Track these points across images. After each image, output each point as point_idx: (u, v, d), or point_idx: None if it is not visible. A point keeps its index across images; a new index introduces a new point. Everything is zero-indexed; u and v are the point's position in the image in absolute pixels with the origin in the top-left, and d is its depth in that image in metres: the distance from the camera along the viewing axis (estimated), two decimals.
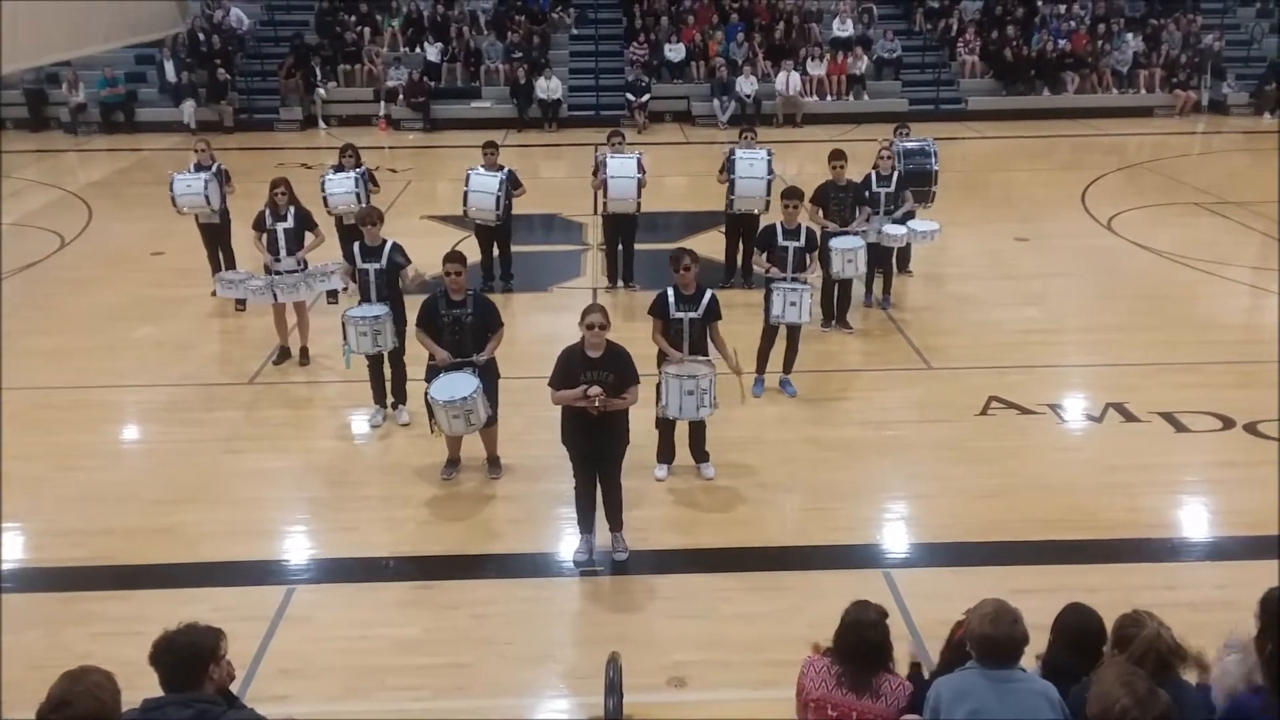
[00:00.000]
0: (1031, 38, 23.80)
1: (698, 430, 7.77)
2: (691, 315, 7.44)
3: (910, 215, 11.13)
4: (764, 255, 9.04)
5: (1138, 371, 9.57)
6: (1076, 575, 6.43)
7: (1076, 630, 3.87)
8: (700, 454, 7.86)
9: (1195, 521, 7.32)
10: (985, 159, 20.07)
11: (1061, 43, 23.73)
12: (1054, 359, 10.02)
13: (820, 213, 10.36)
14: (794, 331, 9.11)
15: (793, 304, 8.83)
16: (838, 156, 10.43)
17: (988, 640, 3.61)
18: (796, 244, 8.89)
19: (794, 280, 8.84)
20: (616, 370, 6.40)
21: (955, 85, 23.67)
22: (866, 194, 10.64)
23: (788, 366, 9.22)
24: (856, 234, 10.22)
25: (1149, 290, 11.84)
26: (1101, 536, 7.00)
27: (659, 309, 7.52)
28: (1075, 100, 23.25)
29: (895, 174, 11.02)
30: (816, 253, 9.07)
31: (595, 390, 6.28)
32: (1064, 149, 20.80)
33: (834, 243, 10.03)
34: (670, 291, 7.51)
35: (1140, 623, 3.66)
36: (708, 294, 7.50)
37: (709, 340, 7.55)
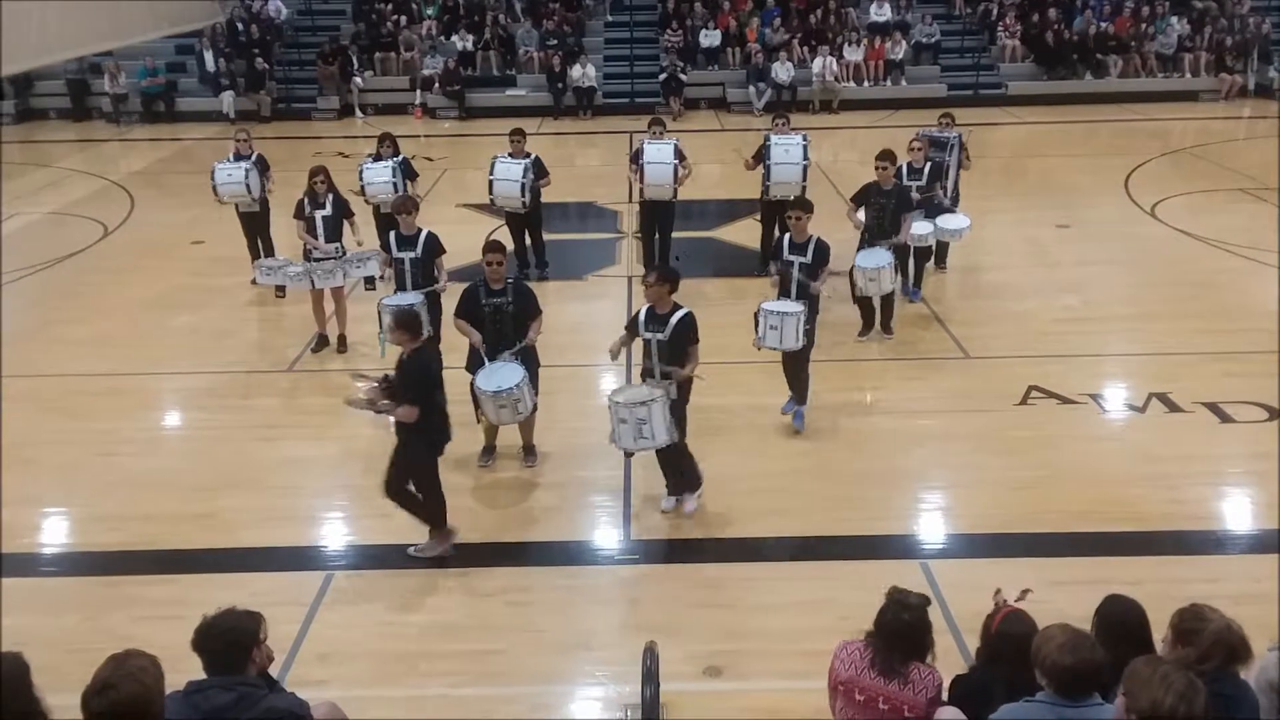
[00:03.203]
0: (1073, 21, 23.44)
1: (664, 459, 7.04)
2: (659, 336, 6.80)
3: (947, 208, 10.82)
4: (771, 265, 8.49)
5: (1181, 361, 9.40)
6: (1117, 568, 6.35)
7: (1120, 623, 3.80)
8: (673, 485, 7.17)
9: (1239, 514, 7.19)
10: (1025, 145, 19.81)
11: (1104, 26, 23.34)
12: (1095, 348, 9.87)
13: (859, 212, 9.86)
14: (791, 357, 8.08)
15: (773, 328, 7.80)
16: (884, 157, 9.70)
17: (1069, 672, 3.34)
18: (803, 259, 8.02)
19: (797, 299, 7.97)
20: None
21: (995, 70, 23.37)
22: (913, 195, 10.13)
23: (800, 396, 8.26)
24: (887, 246, 9.48)
25: (1193, 278, 11.63)
26: (1143, 528, 6.90)
27: (631, 323, 7.06)
28: (1118, 85, 22.88)
29: (927, 166, 10.62)
30: (827, 267, 8.15)
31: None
32: (1106, 134, 20.47)
33: (858, 258, 9.40)
34: (645, 309, 6.95)
35: (1203, 617, 3.58)
36: (677, 316, 6.77)
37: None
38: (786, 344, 7.85)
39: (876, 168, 9.69)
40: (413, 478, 6.58)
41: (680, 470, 7.12)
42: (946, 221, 10.74)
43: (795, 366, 8.16)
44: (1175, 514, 7.07)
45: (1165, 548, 6.72)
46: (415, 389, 6.26)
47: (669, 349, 6.81)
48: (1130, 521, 6.96)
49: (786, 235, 8.21)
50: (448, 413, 6.64)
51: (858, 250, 9.65)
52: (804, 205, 8.30)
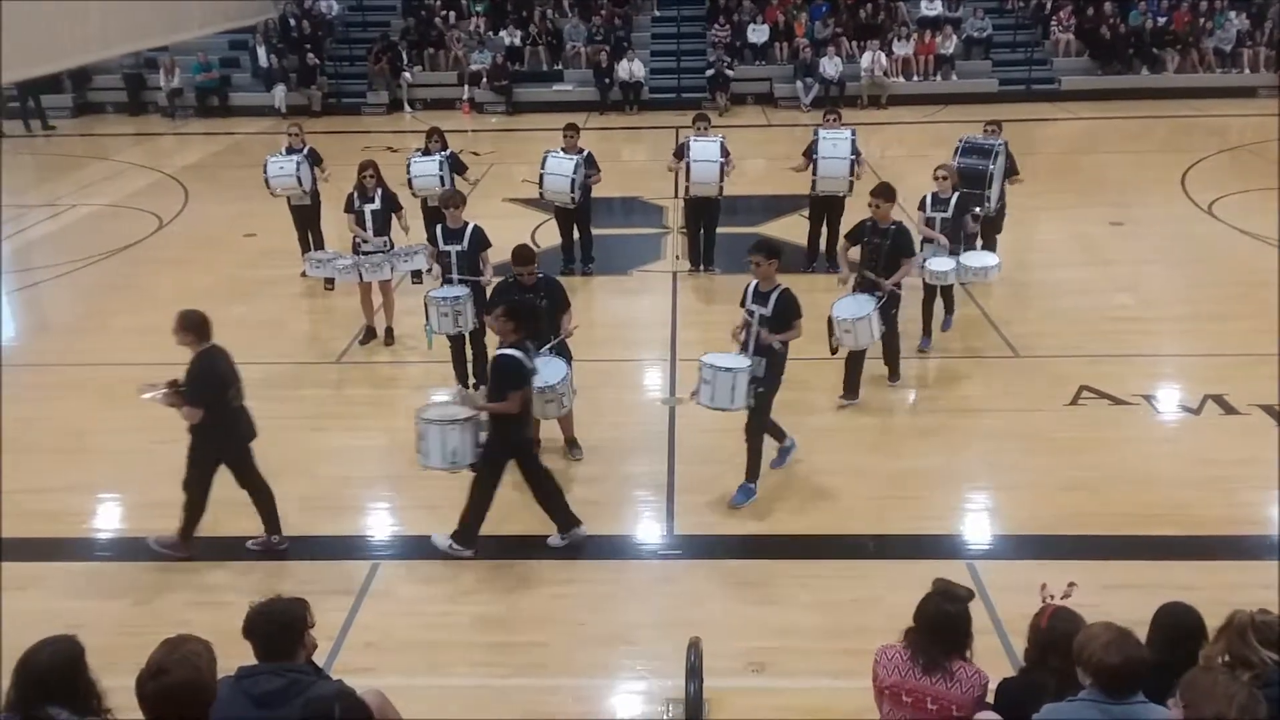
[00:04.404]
0: (1129, 15, 22.97)
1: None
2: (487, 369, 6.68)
3: (972, 231, 9.81)
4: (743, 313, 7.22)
5: (1238, 362, 9.19)
6: (1169, 572, 6.25)
7: (1176, 628, 3.75)
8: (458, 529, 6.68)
9: None
10: (1079, 141, 19.50)
11: (1161, 20, 22.89)
12: (1150, 348, 9.70)
13: (854, 252, 8.75)
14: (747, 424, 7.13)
15: (706, 383, 6.84)
16: (879, 194, 8.33)
17: (1114, 671, 3.31)
18: (763, 310, 6.95)
19: (755, 354, 6.94)
20: None
21: (1048, 64, 22.99)
22: (921, 234, 9.17)
23: (750, 468, 7.22)
24: (877, 294, 8.19)
25: (1251, 277, 11.34)
26: (1197, 533, 6.77)
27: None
28: (1175, 80, 22.37)
29: (955, 197, 9.34)
30: (799, 322, 7.00)
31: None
32: (1162, 130, 20.07)
33: (835, 307, 8.12)
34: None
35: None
36: (496, 353, 6.49)
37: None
38: (720, 403, 6.84)
39: (870, 204, 8.41)
40: (186, 472, 6.60)
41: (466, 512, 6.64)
42: (972, 259, 9.49)
43: (749, 436, 7.16)
44: (1230, 518, 6.93)
45: (1220, 552, 6.59)
46: (198, 391, 6.30)
47: (489, 384, 6.58)
48: (1183, 525, 6.84)
49: (753, 281, 7.09)
50: (246, 415, 6.61)
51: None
52: (764, 249, 7.05)
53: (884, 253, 8.29)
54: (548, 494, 6.77)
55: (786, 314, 6.93)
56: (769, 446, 7.42)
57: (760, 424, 7.17)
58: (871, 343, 8.17)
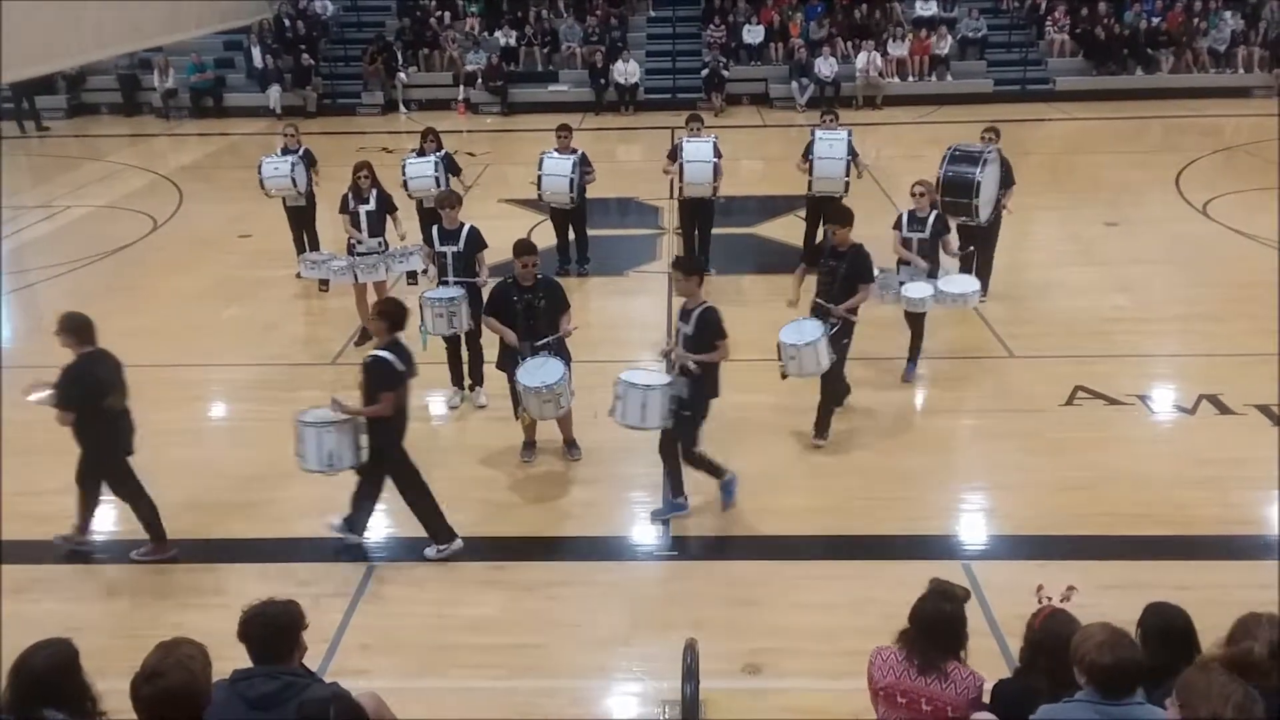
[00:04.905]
0: (1124, 15, 23.02)
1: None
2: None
3: (954, 253, 9.41)
4: None
5: (1233, 362, 9.21)
6: (1164, 572, 6.26)
7: (1165, 630, 3.74)
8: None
9: None
10: (1073, 141, 19.53)
11: (1156, 20, 22.93)
12: (1145, 348, 9.71)
13: (805, 276, 8.39)
14: (665, 437, 6.92)
15: (618, 398, 6.72)
16: (835, 219, 7.83)
17: (1107, 672, 3.31)
18: (686, 330, 6.74)
19: (680, 373, 6.76)
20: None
21: (1043, 65, 23.01)
22: (892, 260, 8.85)
23: (674, 484, 7.07)
24: (829, 321, 7.68)
25: (1246, 277, 11.36)
26: (1192, 533, 6.79)
27: None
28: (1169, 80, 22.40)
29: (932, 216, 8.88)
30: (724, 342, 6.72)
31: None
32: (1157, 131, 20.11)
33: (781, 333, 7.51)
34: None
35: (1250, 632, 3.52)
36: (368, 357, 6.51)
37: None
38: (630, 420, 6.69)
39: (826, 229, 8.11)
40: (106, 480, 6.60)
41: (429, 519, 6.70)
42: (950, 285, 8.82)
43: (660, 449, 7.02)
44: (1225, 518, 6.94)
45: (1214, 552, 6.60)
46: (69, 393, 6.24)
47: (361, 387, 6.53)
48: (1178, 525, 6.85)
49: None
50: (127, 423, 6.58)
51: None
52: (682, 265, 6.87)
53: (840, 276, 7.78)
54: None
55: (707, 333, 6.68)
56: (711, 486, 7.19)
57: (673, 444, 6.93)
58: (818, 371, 7.55)
